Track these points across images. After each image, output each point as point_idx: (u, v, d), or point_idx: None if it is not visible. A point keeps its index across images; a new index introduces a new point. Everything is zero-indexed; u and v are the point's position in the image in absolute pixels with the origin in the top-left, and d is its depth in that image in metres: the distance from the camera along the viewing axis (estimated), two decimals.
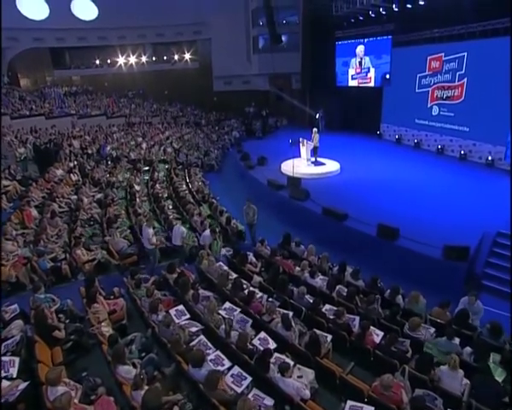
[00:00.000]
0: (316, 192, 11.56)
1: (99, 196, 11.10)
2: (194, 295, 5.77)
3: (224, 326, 5.18)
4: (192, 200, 11.45)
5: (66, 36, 26.72)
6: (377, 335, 5.37)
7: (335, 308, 5.93)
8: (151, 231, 7.63)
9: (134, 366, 4.40)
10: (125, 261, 7.64)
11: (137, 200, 10.70)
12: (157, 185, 12.39)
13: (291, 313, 5.40)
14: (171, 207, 10.94)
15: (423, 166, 15.13)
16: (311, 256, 7.77)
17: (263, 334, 5.25)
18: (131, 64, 29.11)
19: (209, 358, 4.70)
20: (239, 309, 5.75)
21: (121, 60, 28.76)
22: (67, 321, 5.23)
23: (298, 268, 7.25)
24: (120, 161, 15.32)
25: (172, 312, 5.56)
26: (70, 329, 5.03)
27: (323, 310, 5.87)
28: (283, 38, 26.02)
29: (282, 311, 5.64)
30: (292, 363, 4.55)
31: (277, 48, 26.12)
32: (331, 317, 5.73)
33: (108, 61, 29.18)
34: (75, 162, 13.92)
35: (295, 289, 6.51)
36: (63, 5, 25.81)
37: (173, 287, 6.36)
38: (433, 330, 5.58)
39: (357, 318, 5.69)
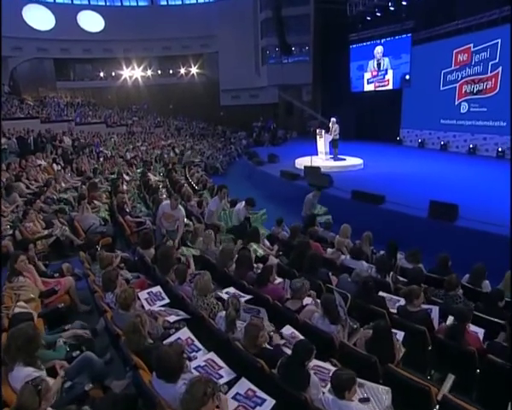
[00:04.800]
0: (339, 182, 9.62)
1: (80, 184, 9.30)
2: (179, 271, 3.73)
3: (223, 314, 3.12)
4: (191, 190, 9.60)
5: (71, 47, 26.15)
6: (476, 332, 3.29)
7: (395, 297, 3.88)
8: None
9: (52, 372, 2.35)
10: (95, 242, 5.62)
11: (124, 187, 8.85)
12: (150, 175, 10.56)
13: (338, 296, 3.27)
14: (164, 195, 9.06)
15: (457, 165, 13.13)
16: (346, 239, 5.71)
17: (289, 329, 3.19)
18: (136, 77, 28.28)
19: (194, 364, 2.64)
20: (247, 296, 3.69)
21: (126, 73, 27.93)
22: None
23: (331, 250, 5.22)
24: (114, 158, 13.64)
25: (143, 295, 3.53)
26: None
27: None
28: (293, 49, 25.28)
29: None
30: None
31: (287, 58, 25.40)
32: (393, 309, 3.66)
33: (113, 74, 28.41)
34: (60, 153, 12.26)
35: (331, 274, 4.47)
36: (69, 16, 25.42)
37: (151, 267, 4.35)
38: None
39: (436, 308, 3.59)
